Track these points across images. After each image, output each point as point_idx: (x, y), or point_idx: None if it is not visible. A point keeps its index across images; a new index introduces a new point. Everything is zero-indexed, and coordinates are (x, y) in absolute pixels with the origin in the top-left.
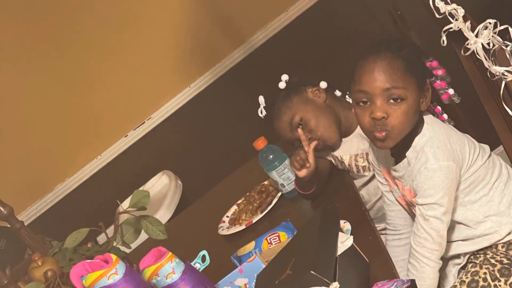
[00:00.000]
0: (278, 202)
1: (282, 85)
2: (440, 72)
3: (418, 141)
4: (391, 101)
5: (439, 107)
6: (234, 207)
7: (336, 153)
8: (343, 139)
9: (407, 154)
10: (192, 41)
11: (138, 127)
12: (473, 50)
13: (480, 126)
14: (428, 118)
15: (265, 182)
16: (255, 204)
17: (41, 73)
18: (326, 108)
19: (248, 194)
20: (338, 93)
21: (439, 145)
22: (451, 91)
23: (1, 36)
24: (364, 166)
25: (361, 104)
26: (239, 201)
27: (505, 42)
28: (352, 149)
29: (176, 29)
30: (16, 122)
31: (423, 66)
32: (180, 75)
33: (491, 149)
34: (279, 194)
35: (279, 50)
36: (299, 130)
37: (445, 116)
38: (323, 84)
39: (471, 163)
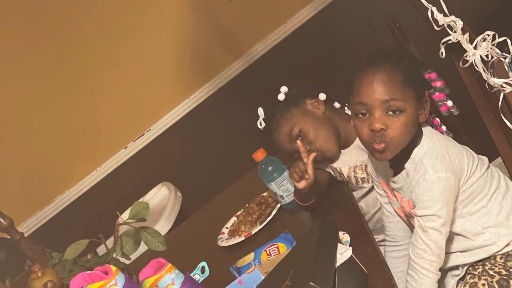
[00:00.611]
0: (277, 213)
1: (281, 96)
2: (438, 83)
3: (416, 152)
4: (390, 113)
5: (437, 119)
6: (234, 219)
7: (335, 165)
8: (342, 151)
9: (405, 165)
10: (191, 53)
11: (137, 138)
12: (472, 62)
13: (479, 137)
14: (426, 130)
15: (264, 194)
16: (254, 216)
17: (41, 84)
18: (325, 120)
19: (247, 205)
20: (337, 104)
21: (437, 157)
22: (449, 103)
23: (1, 47)
24: (363, 177)
25: (360, 116)
26: (239, 213)
27: (504, 54)
28: (351, 160)
29: (175, 41)
30: (16, 133)
31: (421, 78)
32: (180, 87)
33: (490, 161)
34: (278, 205)
35: (278, 62)
36: (298, 141)
37: (443, 127)
38: (322, 96)
39: (470, 174)
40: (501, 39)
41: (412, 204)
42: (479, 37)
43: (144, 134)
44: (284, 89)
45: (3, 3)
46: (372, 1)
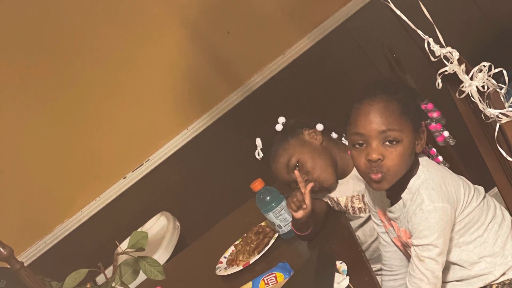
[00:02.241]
0: (275, 243)
1: (279, 127)
2: (435, 114)
3: (413, 183)
4: (387, 143)
5: (434, 149)
6: (232, 248)
7: (332, 195)
8: (339, 181)
9: (402, 195)
10: (190, 84)
11: (136, 168)
12: (468, 93)
13: (475, 167)
14: (423, 160)
15: (262, 223)
16: (252, 245)
17: (41, 114)
18: (322, 150)
19: (245, 235)
20: (334, 135)
21: (434, 187)
22: (446, 133)
23: (2, 78)
24: (360, 207)
25: (357, 146)
26: (237, 242)
27: (499, 85)
28: (348, 190)
29: (174, 72)
30: (15, 163)
31: (418, 108)
32: (178, 117)
33: (486, 191)
34: (276, 235)
35: (276, 92)
36: (296, 171)
37: (440, 158)
38: (320, 127)
39: (466, 204)
40: (497, 70)
41: (408, 233)
42: (475, 68)
43: (143, 164)
44: (282, 119)
45: (4, 35)
46: (369, 32)
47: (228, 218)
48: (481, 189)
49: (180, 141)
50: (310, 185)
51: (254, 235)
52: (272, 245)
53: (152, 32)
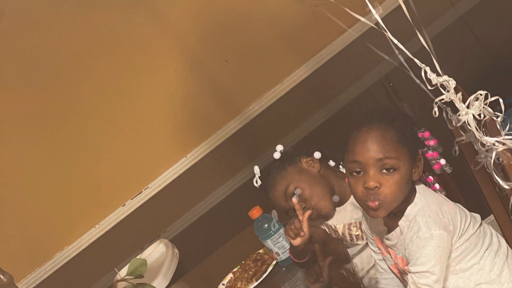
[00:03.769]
0: (273, 270)
1: (277, 155)
2: (432, 142)
3: (410, 210)
4: (384, 171)
5: (431, 177)
6: (230, 275)
7: (330, 222)
8: (337, 208)
9: (399, 223)
10: (189, 112)
11: (135, 196)
12: (465, 121)
13: (471, 195)
14: (420, 188)
15: (260, 251)
16: (250, 272)
17: (41, 142)
18: (320, 178)
19: (243, 262)
20: (331, 163)
21: (431, 214)
22: (442, 161)
23: (1, 106)
24: (357, 235)
25: (355, 174)
26: (235, 269)
27: (496, 113)
28: (346, 218)
29: (173, 100)
30: (15, 190)
31: (415, 136)
32: (177, 145)
33: (482, 218)
34: (274, 262)
35: (274, 120)
36: (294, 199)
37: (436, 186)
38: (317, 155)
39: (463, 232)
40: (493, 99)
41: (405, 261)
42: (472, 97)
43: (142, 191)
44: (279, 147)
45: (3, 64)
46: (366, 61)
47: (226, 245)
48: (477, 216)
49: (179, 168)
50: (308, 212)
51: (252, 262)
52: (270, 272)
53: (151, 61)
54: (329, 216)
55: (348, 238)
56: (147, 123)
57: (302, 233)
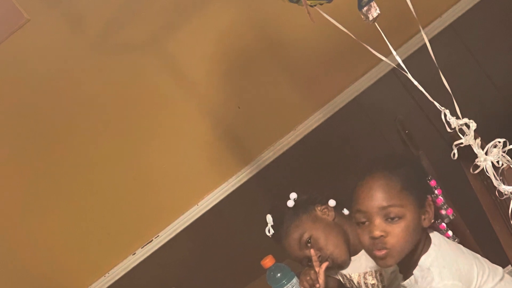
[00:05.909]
0: None
1: (290, 203)
2: (436, 192)
3: (424, 260)
4: (389, 219)
5: (444, 224)
6: None
7: (344, 272)
8: (352, 257)
9: (414, 272)
10: (200, 159)
11: (146, 245)
12: (483, 168)
13: (488, 244)
14: (435, 237)
15: None
16: None
17: (48, 188)
18: (335, 227)
19: None
20: (346, 211)
21: (445, 265)
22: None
23: (5, 151)
24: (373, 284)
25: (361, 224)
26: None
27: None
28: (361, 267)
29: (185, 148)
30: (23, 238)
31: (422, 182)
32: (188, 193)
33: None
34: None
35: (288, 168)
36: (312, 250)
37: (450, 232)
38: (332, 203)
39: (480, 284)
40: (511, 147)
41: None
42: (490, 143)
43: (152, 240)
44: (293, 195)
45: (10, 108)
46: (381, 108)
47: None
48: (499, 269)
49: (190, 217)
50: (325, 264)
51: None
52: None
53: (163, 108)
54: (344, 265)
55: (363, 287)
56: (158, 171)
57: (317, 285)
